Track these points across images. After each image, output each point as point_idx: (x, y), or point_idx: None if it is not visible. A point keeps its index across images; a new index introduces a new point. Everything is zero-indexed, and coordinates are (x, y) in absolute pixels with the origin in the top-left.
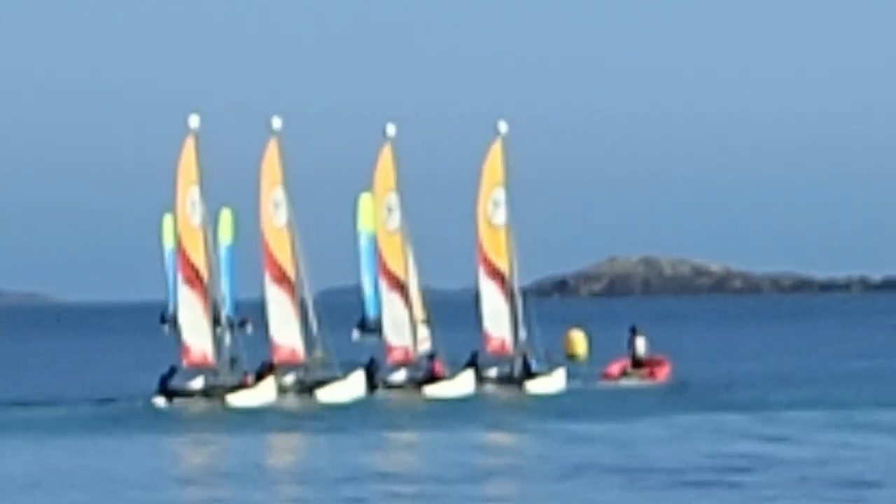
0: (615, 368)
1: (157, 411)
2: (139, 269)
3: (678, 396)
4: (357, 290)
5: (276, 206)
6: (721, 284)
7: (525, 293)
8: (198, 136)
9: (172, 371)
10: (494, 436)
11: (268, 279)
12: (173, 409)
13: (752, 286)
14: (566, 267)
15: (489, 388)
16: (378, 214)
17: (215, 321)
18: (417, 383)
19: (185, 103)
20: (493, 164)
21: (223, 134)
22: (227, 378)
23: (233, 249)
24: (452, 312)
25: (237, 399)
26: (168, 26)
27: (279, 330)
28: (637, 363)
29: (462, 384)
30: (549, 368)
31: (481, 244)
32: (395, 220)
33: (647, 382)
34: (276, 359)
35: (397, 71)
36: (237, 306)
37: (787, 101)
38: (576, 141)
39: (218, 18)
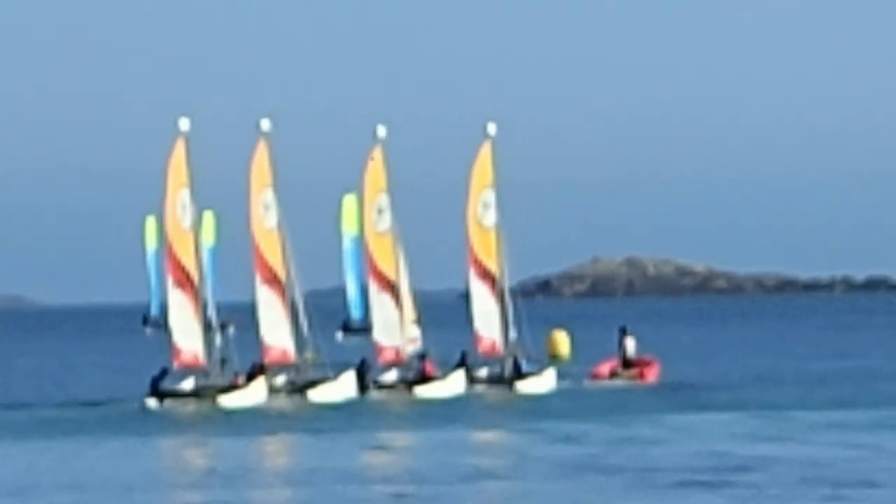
0: (604, 369)
1: (149, 413)
2: (122, 271)
3: (669, 396)
4: (341, 291)
5: (266, 207)
6: (705, 285)
7: (514, 294)
8: (188, 139)
9: (164, 373)
10: (487, 436)
11: (258, 280)
12: (165, 411)
13: (735, 286)
14: (550, 267)
15: (479, 388)
16: (368, 215)
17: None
18: (408, 384)
19: (171, 105)
20: (483, 165)
21: (211, 136)
22: (218, 379)
23: (215, 252)
24: (435, 313)
25: (228, 400)
26: (156, 28)
27: (270, 331)
28: (626, 363)
29: (453, 384)
30: (540, 369)
31: (472, 245)
32: (386, 221)
33: (636, 383)
34: (267, 360)
35: (387, 73)
36: (218, 309)
37: (772, 102)
38: (559, 142)
39: (208, 21)
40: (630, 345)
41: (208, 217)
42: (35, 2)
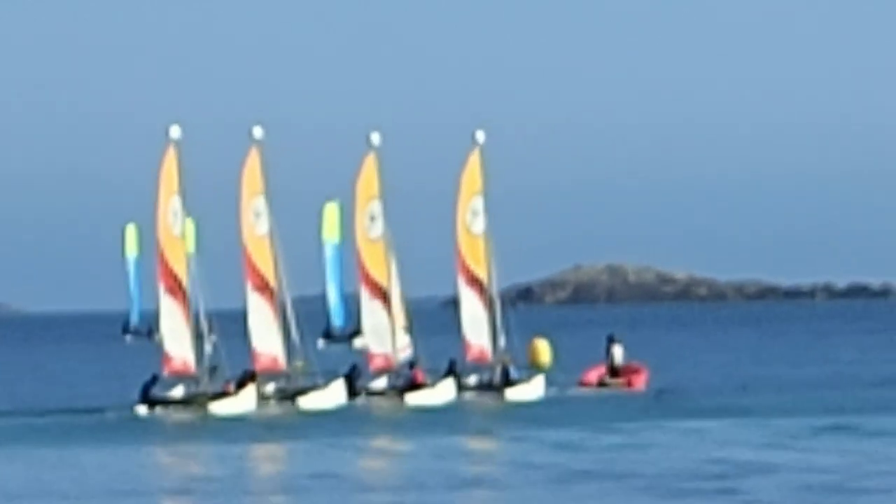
0: (592, 376)
1: (140, 420)
2: (102, 279)
3: (657, 403)
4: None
5: (257, 215)
6: (686, 292)
7: (503, 301)
8: (179, 147)
9: (154, 380)
10: (478, 443)
11: (249, 288)
12: (155, 418)
13: (716, 293)
14: (531, 275)
15: (469, 395)
16: (361, 222)
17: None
18: (398, 391)
19: (152, 113)
20: (472, 173)
21: (201, 144)
22: (208, 386)
23: (196, 260)
24: (418, 320)
25: (219, 407)
26: (145, 35)
27: (260, 338)
28: (614, 371)
29: (443, 392)
30: (529, 376)
31: (461, 252)
32: (378, 228)
33: (624, 390)
34: (258, 367)
35: (379, 80)
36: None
37: (753, 109)
38: (540, 150)
39: (198, 28)
40: (618, 352)
41: (189, 224)
42: (21, 7)
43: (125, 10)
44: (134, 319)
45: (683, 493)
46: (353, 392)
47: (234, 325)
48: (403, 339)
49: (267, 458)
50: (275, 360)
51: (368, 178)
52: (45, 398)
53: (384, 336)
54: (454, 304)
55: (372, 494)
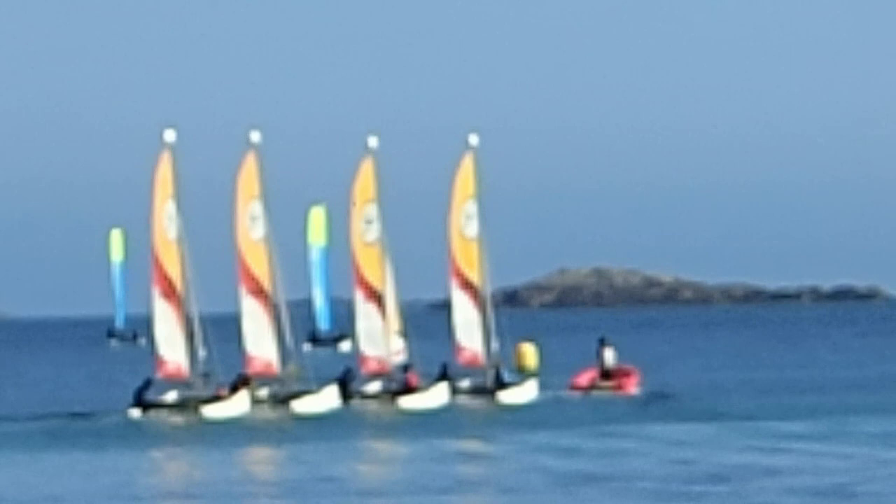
0: (584, 379)
1: (134, 424)
2: (86, 283)
3: (649, 406)
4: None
5: (253, 219)
6: (672, 295)
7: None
8: (174, 151)
9: (147, 383)
10: (473, 447)
11: (243, 292)
12: (149, 422)
13: (703, 297)
14: (517, 278)
15: (462, 398)
16: (356, 225)
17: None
18: (392, 394)
19: (140, 118)
20: (465, 176)
21: (195, 148)
22: (202, 390)
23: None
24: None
25: (212, 411)
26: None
27: (254, 343)
28: (605, 374)
29: (437, 395)
30: (521, 379)
31: (454, 256)
32: (374, 231)
33: (616, 393)
34: (251, 371)
35: (374, 85)
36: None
37: (740, 114)
38: (526, 153)
39: (193, 31)
40: (609, 355)
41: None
42: (11, 10)
43: (117, 13)
44: (119, 324)
45: (678, 497)
46: (346, 395)
47: (227, 329)
48: (398, 343)
49: (260, 462)
50: (269, 364)
51: (365, 182)
52: (32, 403)
53: (379, 340)
54: (440, 307)
55: (366, 498)
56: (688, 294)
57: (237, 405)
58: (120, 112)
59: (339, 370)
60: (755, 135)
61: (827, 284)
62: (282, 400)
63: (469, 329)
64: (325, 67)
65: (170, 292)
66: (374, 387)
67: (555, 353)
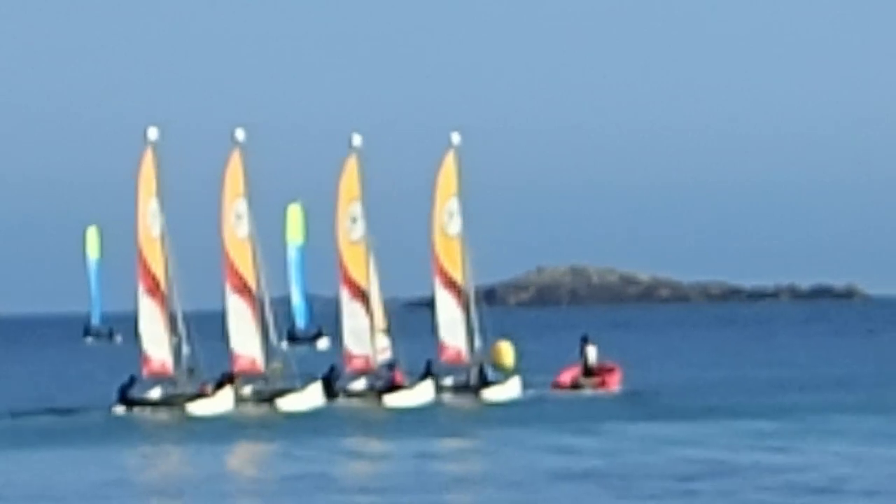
0: (566, 377)
1: (118, 421)
2: (62, 281)
3: (632, 404)
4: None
5: (238, 217)
6: (649, 293)
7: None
8: (157, 149)
9: (132, 380)
10: (459, 444)
11: (228, 289)
12: (133, 419)
13: (680, 295)
14: (494, 277)
15: (446, 396)
16: (342, 224)
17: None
18: (378, 392)
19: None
20: (447, 174)
21: (178, 146)
22: (186, 387)
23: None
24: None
25: (196, 408)
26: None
27: (239, 340)
28: (588, 371)
29: (422, 393)
30: (505, 377)
31: (437, 254)
32: (359, 229)
33: (599, 391)
34: (237, 369)
35: (358, 83)
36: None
37: (715, 113)
38: (502, 151)
39: (182, 28)
40: (591, 353)
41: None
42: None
43: (100, 11)
44: (95, 321)
45: (668, 494)
46: (331, 393)
47: (212, 326)
48: (383, 341)
49: (245, 459)
50: (253, 361)
51: (350, 180)
52: (9, 400)
53: (364, 338)
54: (418, 305)
55: (352, 496)
56: (665, 292)
57: (221, 402)
58: (99, 110)
59: (316, 368)
60: (733, 134)
61: (804, 283)
62: (266, 398)
63: (452, 327)
64: (309, 66)
65: (154, 289)
66: (359, 384)
67: (533, 352)
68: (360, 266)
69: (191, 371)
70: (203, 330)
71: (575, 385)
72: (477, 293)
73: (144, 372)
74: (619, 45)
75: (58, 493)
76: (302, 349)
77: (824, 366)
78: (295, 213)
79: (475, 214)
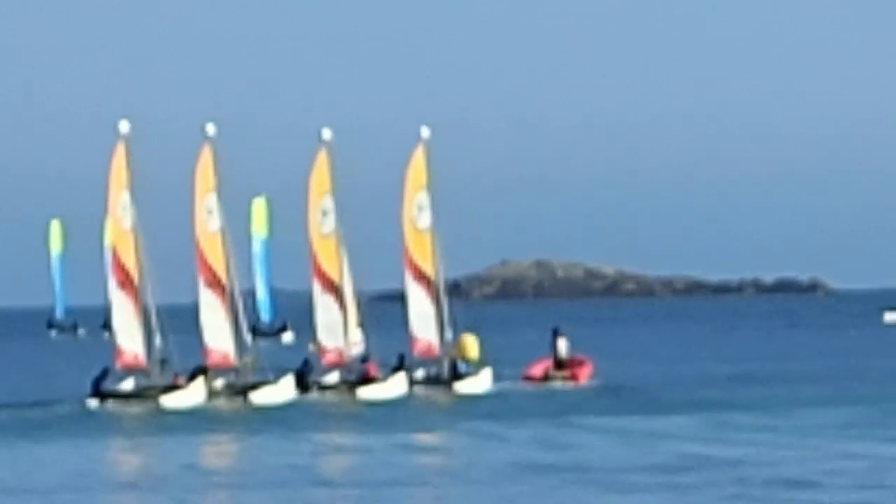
0: (537, 370)
1: (93, 413)
2: (26, 274)
3: (603, 397)
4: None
5: (209, 211)
6: (614, 287)
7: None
8: (128, 142)
9: (105, 373)
10: (432, 437)
11: (200, 283)
12: (106, 411)
13: (645, 289)
14: (458, 270)
15: (417, 389)
16: (313, 218)
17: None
18: (350, 385)
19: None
20: (417, 168)
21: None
22: (158, 379)
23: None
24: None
25: (169, 401)
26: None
27: (212, 334)
28: (559, 364)
29: (395, 386)
30: (476, 370)
31: (407, 248)
32: (330, 223)
33: (570, 383)
34: (209, 363)
35: (329, 76)
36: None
37: (679, 106)
38: (467, 145)
39: (153, 24)
40: (562, 346)
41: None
42: None
43: (70, 5)
44: (59, 315)
45: (641, 487)
46: (304, 387)
47: (184, 319)
48: (356, 334)
49: (219, 452)
50: (225, 355)
51: (320, 174)
52: None
53: (337, 331)
54: (384, 299)
55: (326, 489)
56: (630, 286)
57: (193, 394)
58: (63, 105)
59: (281, 362)
60: (697, 131)
61: (768, 277)
62: (239, 391)
63: (423, 320)
64: (280, 61)
65: (126, 282)
66: (332, 378)
67: (498, 346)
68: (332, 259)
69: (163, 362)
70: (175, 323)
71: (546, 378)
72: (437, 286)
73: (118, 364)
74: (584, 41)
75: (35, 486)
76: (266, 343)
77: (791, 359)
78: (259, 207)
79: (440, 208)
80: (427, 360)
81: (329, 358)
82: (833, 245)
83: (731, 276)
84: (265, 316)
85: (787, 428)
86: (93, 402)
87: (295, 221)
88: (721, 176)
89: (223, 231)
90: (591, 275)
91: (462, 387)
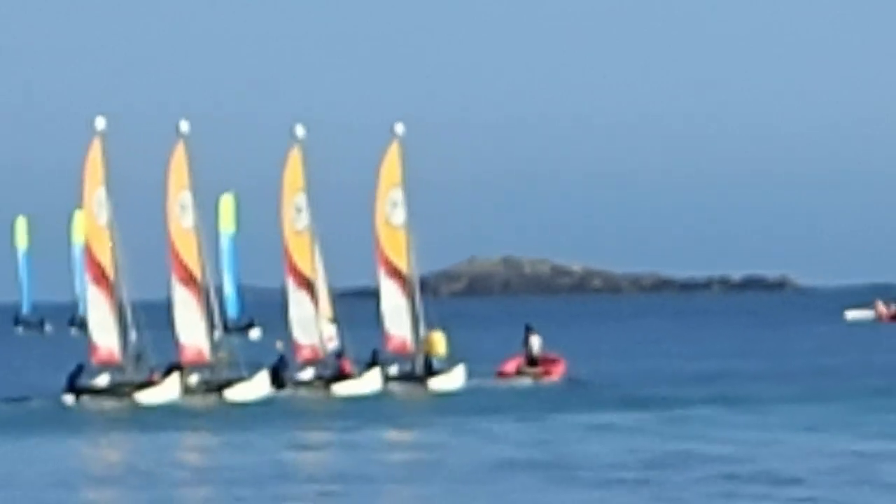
0: (510, 367)
1: (68, 409)
2: None
3: (575, 394)
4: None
5: (183, 208)
6: (581, 284)
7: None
8: (104, 138)
9: (80, 369)
10: (408, 434)
11: (174, 280)
12: (81, 407)
13: (612, 286)
14: (426, 267)
15: (391, 385)
16: (287, 214)
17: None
18: (326, 381)
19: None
20: (391, 165)
21: (126, 136)
22: (133, 375)
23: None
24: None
25: (144, 396)
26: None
27: (186, 331)
28: (532, 361)
29: (370, 382)
30: (450, 366)
31: (380, 244)
32: (304, 219)
33: (543, 380)
34: (183, 359)
35: (304, 72)
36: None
37: (644, 102)
38: (435, 142)
39: (126, 20)
40: (535, 342)
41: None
42: None
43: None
44: (25, 311)
45: (616, 484)
46: (280, 383)
47: (159, 315)
48: (330, 330)
49: (194, 448)
50: (199, 351)
51: (294, 171)
52: None
53: (311, 327)
54: (352, 295)
55: (302, 485)
56: (597, 283)
57: (168, 390)
58: (33, 102)
59: (249, 358)
60: (663, 125)
61: (736, 274)
62: (214, 387)
63: (397, 316)
64: (252, 57)
65: (101, 278)
66: (307, 374)
67: (467, 342)
68: (306, 256)
69: (138, 358)
70: (150, 320)
71: (519, 374)
72: (411, 282)
73: (93, 360)
74: (553, 38)
75: (13, 482)
76: (233, 339)
77: (759, 357)
78: (227, 204)
79: (409, 204)
80: (401, 356)
81: (304, 354)
82: (803, 242)
83: (698, 273)
84: (232, 312)
85: (765, 425)
86: (68, 398)
87: (264, 218)
88: (688, 173)
89: (197, 228)
90: (559, 272)
91: (436, 383)
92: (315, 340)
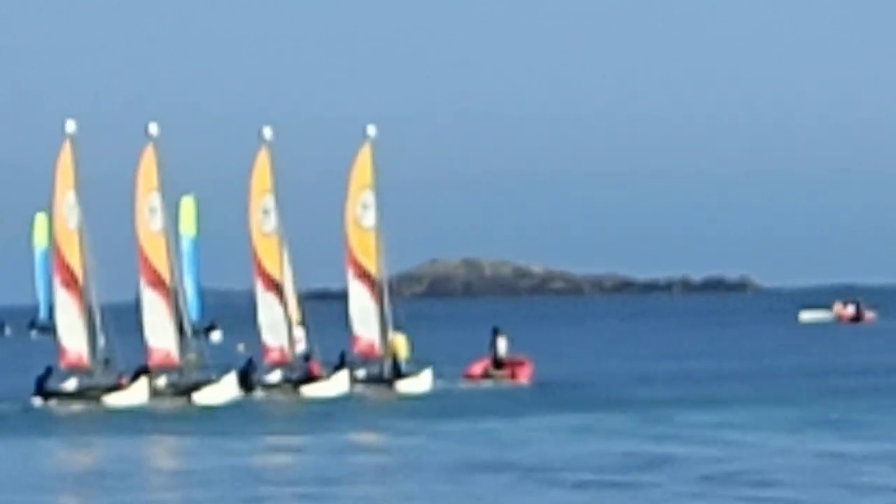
0: (477, 369)
1: (35, 412)
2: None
3: (542, 396)
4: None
5: (152, 211)
6: (542, 285)
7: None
8: (75, 141)
9: (48, 372)
10: (376, 436)
11: (143, 283)
12: (50, 410)
13: (573, 287)
14: (388, 269)
15: (359, 388)
16: (254, 216)
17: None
18: (294, 383)
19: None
20: (362, 166)
21: (98, 138)
22: (102, 379)
23: (48, 253)
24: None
25: (112, 400)
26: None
27: (154, 334)
28: (498, 364)
29: (337, 384)
30: (418, 369)
31: (350, 246)
32: (272, 221)
33: (509, 382)
34: (152, 362)
35: (272, 74)
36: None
37: (608, 103)
38: (396, 142)
39: (94, 22)
40: (502, 345)
41: (41, 218)
42: None
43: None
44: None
45: (591, 485)
46: (248, 386)
47: (128, 319)
48: (298, 332)
49: (163, 451)
50: (168, 354)
51: (261, 172)
52: None
53: (280, 329)
54: (315, 297)
55: (272, 487)
56: (558, 284)
57: (136, 394)
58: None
59: (212, 360)
60: (626, 125)
61: (697, 275)
62: (182, 390)
63: (365, 319)
64: (220, 58)
65: (70, 282)
66: (275, 376)
67: (430, 344)
68: (274, 258)
69: (106, 362)
70: (119, 323)
71: (486, 376)
72: (380, 284)
73: (61, 363)
74: (517, 37)
75: None
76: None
77: (720, 357)
78: (188, 206)
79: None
80: (369, 358)
81: (272, 356)
82: (764, 244)
83: (659, 274)
84: (193, 314)
85: (740, 425)
86: (36, 401)
87: (230, 219)
88: (649, 174)
89: (166, 230)
90: (520, 273)
91: (404, 386)
92: (283, 343)
